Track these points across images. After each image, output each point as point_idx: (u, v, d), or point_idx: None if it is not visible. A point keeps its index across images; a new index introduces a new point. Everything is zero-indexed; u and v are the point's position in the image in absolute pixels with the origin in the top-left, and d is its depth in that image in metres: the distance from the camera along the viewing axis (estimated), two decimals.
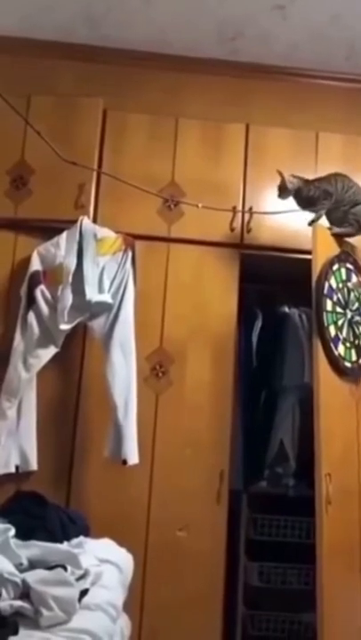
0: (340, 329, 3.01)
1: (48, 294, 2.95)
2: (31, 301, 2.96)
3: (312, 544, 3.09)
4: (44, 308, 2.94)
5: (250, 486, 3.23)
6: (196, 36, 3.42)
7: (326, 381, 2.88)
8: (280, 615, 3.13)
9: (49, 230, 3.09)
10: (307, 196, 3.05)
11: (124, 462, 2.82)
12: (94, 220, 3.13)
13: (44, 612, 1.81)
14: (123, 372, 2.90)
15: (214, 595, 2.96)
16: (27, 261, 3.06)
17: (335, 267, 3.04)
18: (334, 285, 3.02)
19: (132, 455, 2.84)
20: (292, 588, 3.16)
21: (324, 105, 3.63)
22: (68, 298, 2.89)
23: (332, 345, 2.93)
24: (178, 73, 3.56)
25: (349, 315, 3.07)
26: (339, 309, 3.03)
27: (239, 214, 3.26)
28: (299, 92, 3.63)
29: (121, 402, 2.85)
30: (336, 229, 3.09)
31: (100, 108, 3.28)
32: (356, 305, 3.11)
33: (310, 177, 3.27)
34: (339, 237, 3.12)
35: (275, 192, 3.24)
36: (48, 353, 2.93)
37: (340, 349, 2.98)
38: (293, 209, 3.19)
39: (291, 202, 3.19)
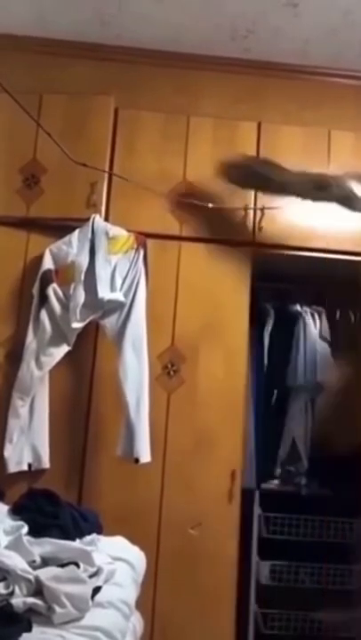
0: None
1: (60, 293, 2.96)
2: (43, 300, 2.96)
3: (324, 542, 3.10)
4: (57, 307, 2.94)
5: (262, 485, 3.23)
6: (208, 34, 3.42)
7: None
8: (292, 614, 3.12)
9: (61, 229, 3.09)
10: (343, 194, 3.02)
11: (137, 461, 2.82)
12: (106, 219, 3.13)
13: (57, 609, 1.81)
14: (135, 370, 2.89)
15: (227, 593, 2.96)
16: (39, 260, 3.06)
17: None
18: None
19: (144, 453, 2.84)
20: (304, 587, 3.15)
21: (336, 102, 3.62)
22: (80, 296, 2.90)
23: None
24: (190, 71, 3.55)
25: None
26: None
27: (251, 212, 3.25)
28: (311, 90, 3.61)
29: (133, 400, 2.85)
30: None
31: (112, 105, 3.28)
32: None
33: None
34: None
35: None
36: (60, 351, 2.94)
37: None
38: (303, 208, 3.21)
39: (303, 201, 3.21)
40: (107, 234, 3.00)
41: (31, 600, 1.84)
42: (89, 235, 2.99)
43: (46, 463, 2.94)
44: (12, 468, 2.88)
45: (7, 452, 2.87)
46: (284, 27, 3.34)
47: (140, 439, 2.83)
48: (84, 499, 2.95)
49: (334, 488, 3.19)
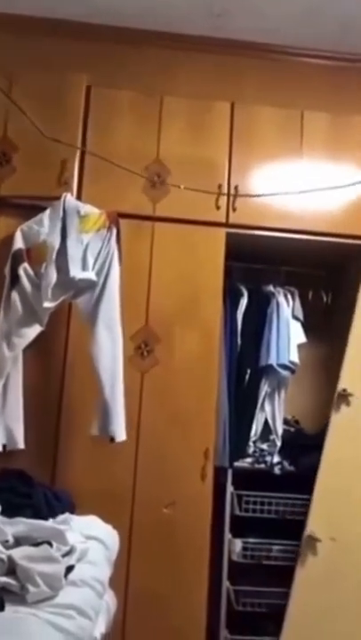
0: None
1: (31, 272, 2.91)
2: (15, 280, 2.92)
3: (295, 520, 3.15)
4: (28, 287, 2.90)
5: (235, 463, 3.26)
6: (183, 13, 3.40)
7: None
8: (264, 590, 3.16)
9: (33, 208, 3.05)
10: None
11: (112, 440, 2.82)
12: (78, 198, 3.10)
13: (31, 588, 1.82)
14: (109, 349, 2.88)
15: (199, 570, 2.99)
16: (10, 240, 3.02)
17: None
18: None
19: (120, 432, 2.83)
20: (276, 564, 3.19)
21: (309, 83, 3.62)
22: (52, 276, 2.87)
23: None
24: (164, 50, 3.54)
25: None
26: None
27: (225, 192, 3.25)
28: (285, 70, 3.61)
29: (107, 379, 2.84)
30: None
31: (84, 83, 3.24)
32: None
33: (295, 156, 3.29)
34: None
35: (261, 170, 3.27)
36: (33, 331, 2.90)
37: None
38: (280, 192, 3.24)
39: (277, 183, 3.22)
40: (78, 212, 2.97)
41: (4, 579, 1.85)
42: (60, 213, 2.96)
43: (21, 444, 2.93)
44: None
45: None
46: (259, 6, 3.32)
47: (115, 418, 2.82)
48: (58, 479, 2.96)
49: (305, 466, 3.23)
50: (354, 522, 3.09)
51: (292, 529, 3.14)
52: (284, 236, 3.27)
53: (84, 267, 2.92)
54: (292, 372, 3.38)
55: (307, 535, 3.07)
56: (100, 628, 2.11)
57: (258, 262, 3.50)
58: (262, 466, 3.29)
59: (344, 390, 3.15)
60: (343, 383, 3.17)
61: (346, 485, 3.12)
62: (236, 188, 3.25)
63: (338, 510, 3.10)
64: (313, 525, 3.08)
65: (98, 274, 2.92)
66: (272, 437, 3.35)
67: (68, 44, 3.51)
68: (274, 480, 3.26)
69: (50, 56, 3.46)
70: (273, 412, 3.38)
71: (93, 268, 2.93)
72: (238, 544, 3.21)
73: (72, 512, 2.51)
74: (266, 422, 3.37)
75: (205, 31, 3.52)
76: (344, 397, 3.15)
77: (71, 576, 1.96)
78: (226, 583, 3.15)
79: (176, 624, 2.94)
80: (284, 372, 3.34)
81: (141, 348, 3.12)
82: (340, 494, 3.11)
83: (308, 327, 3.49)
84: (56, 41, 3.51)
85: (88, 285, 2.92)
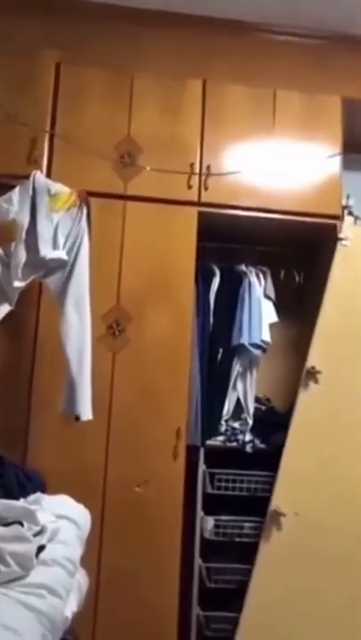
0: None
1: (0, 251, 2.88)
2: None
3: (267, 497, 3.18)
4: None
5: (207, 441, 3.27)
6: None
7: None
8: (236, 567, 3.19)
9: (1, 187, 2.99)
10: None
11: (77, 418, 2.81)
12: (48, 177, 3.07)
13: (1, 567, 1.81)
14: (77, 328, 2.85)
15: (172, 548, 3.01)
16: None
17: None
18: None
19: (86, 411, 2.82)
20: (248, 541, 3.22)
21: (282, 62, 3.59)
22: (21, 255, 2.83)
23: None
24: (136, 26, 3.47)
25: None
26: None
27: (197, 171, 3.23)
28: (257, 49, 3.57)
29: (75, 358, 2.82)
30: None
31: (53, 60, 3.20)
32: None
33: (267, 135, 3.28)
34: None
35: (233, 149, 3.26)
36: (2, 311, 2.87)
37: None
38: (251, 170, 3.23)
39: (249, 161, 3.21)
40: (48, 191, 2.92)
41: None
42: (30, 192, 2.91)
43: None
44: None
45: None
46: None
47: (81, 397, 2.81)
48: (29, 459, 2.95)
49: (276, 444, 3.25)
50: (316, 496, 3.12)
51: (263, 506, 3.17)
52: (256, 215, 3.28)
53: (55, 246, 2.88)
54: (264, 350, 3.40)
55: (272, 510, 3.10)
56: (72, 606, 2.11)
57: (230, 242, 3.49)
58: (234, 444, 3.32)
59: (313, 368, 3.17)
60: (312, 361, 3.19)
61: (311, 461, 3.15)
62: (208, 167, 3.23)
63: (302, 486, 3.14)
64: (278, 500, 3.11)
65: (68, 253, 2.89)
66: (244, 416, 3.37)
67: (37, 21, 3.43)
68: (245, 458, 3.29)
69: (19, 33, 3.38)
70: (245, 390, 3.40)
71: (64, 248, 2.89)
72: (210, 522, 3.24)
73: (43, 492, 2.49)
74: (238, 401, 3.39)
75: (177, 8, 3.47)
76: (312, 375, 3.18)
77: (42, 555, 1.95)
78: (198, 560, 3.18)
79: (148, 602, 2.96)
80: (256, 351, 3.35)
81: (113, 327, 3.11)
82: (306, 470, 3.14)
83: (279, 306, 3.50)
84: (25, 17, 3.43)
85: (59, 265, 2.89)
